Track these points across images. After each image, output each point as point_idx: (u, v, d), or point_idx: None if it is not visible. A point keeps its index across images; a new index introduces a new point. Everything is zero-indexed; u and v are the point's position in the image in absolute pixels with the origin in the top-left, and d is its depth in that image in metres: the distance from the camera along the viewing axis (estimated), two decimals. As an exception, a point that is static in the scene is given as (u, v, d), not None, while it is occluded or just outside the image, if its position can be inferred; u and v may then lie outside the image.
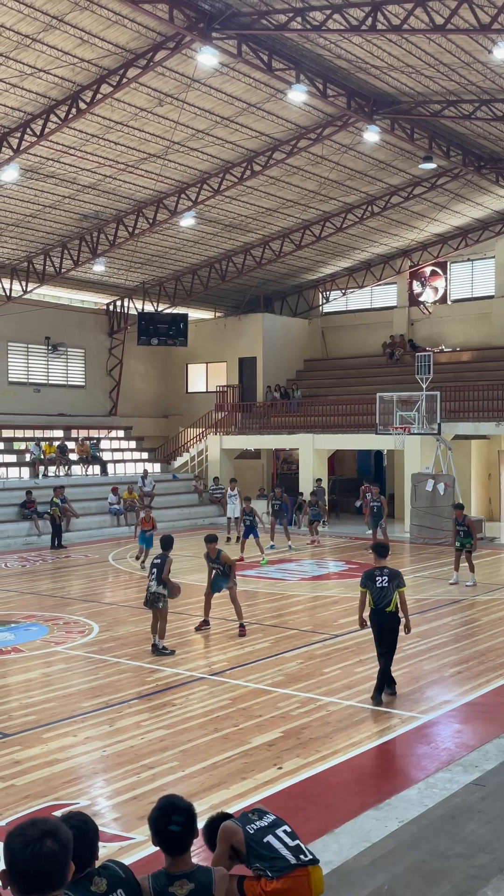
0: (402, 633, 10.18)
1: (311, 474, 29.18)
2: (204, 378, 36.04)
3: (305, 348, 36.38)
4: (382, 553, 10.45)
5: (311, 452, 29.47)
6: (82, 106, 19.37)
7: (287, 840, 4.86)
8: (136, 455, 33.11)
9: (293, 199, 27.10)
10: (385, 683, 10.13)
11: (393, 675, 10.26)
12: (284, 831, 4.91)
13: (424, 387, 25.59)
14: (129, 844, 6.51)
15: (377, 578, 10.01)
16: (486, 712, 9.80)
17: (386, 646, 10.08)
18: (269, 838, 4.83)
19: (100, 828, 3.76)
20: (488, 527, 26.53)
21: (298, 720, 9.34)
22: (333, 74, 20.23)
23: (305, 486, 29.18)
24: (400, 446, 26.91)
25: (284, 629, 13.79)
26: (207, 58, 17.76)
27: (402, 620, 10.05)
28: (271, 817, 5.03)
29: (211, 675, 11.16)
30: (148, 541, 19.45)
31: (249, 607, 15.72)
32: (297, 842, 4.89)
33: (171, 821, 3.83)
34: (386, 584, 9.94)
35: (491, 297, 32.33)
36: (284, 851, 4.78)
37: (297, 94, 19.50)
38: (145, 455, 33.44)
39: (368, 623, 10.22)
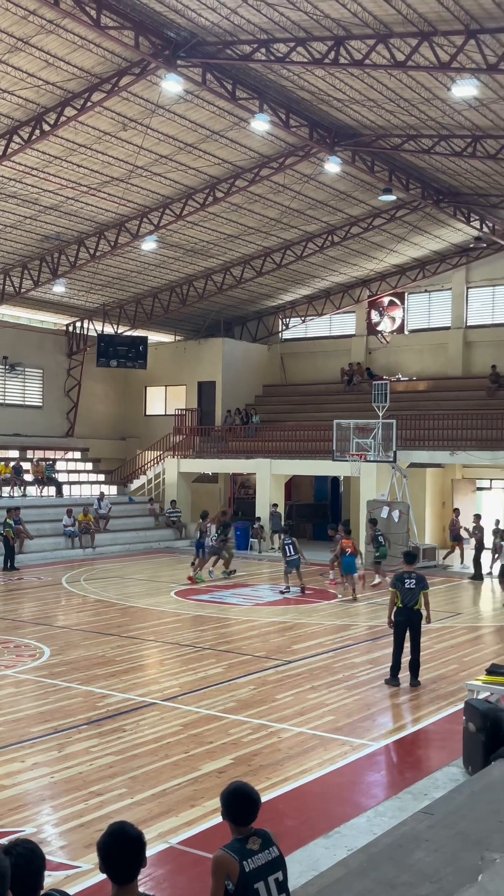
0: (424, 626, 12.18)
1: (268, 499, 29.25)
2: (163, 401, 36.01)
3: (265, 373, 36.56)
4: (410, 560, 12.41)
5: (269, 477, 29.54)
6: (46, 128, 19.39)
7: (274, 893, 4.28)
8: (93, 477, 32.89)
9: (254, 227, 27.33)
10: (411, 673, 11.93)
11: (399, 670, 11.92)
12: (276, 880, 4.32)
13: (381, 415, 25.84)
14: (76, 873, 6.41)
15: (406, 580, 11.97)
16: (437, 740, 9.85)
17: (413, 639, 11.98)
18: (260, 886, 4.25)
19: (46, 856, 3.71)
20: (442, 554, 26.76)
21: (249, 747, 9.30)
22: (296, 105, 20.51)
23: (262, 511, 29.23)
24: (356, 473, 27.07)
25: (238, 654, 13.73)
26: (172, 85, 17.90)
27: (425, 614, 12.01)
28: (275, 852, 4.37)
29: (163, 700, 11.07)
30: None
31: (202, 632, 15.66)
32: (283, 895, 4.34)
33: (121, 848, 3.78)
34: (414, 586, 11.91)
35: (447, 328, 32.80)
36: None
37: (260, 124, 19.70)
38: (101, 477, 33.23)
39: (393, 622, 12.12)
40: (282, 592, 20.37)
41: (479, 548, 23.21)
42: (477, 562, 23.13)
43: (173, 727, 9.95)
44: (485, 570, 23.11)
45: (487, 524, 24.10)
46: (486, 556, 23.43)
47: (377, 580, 21.55)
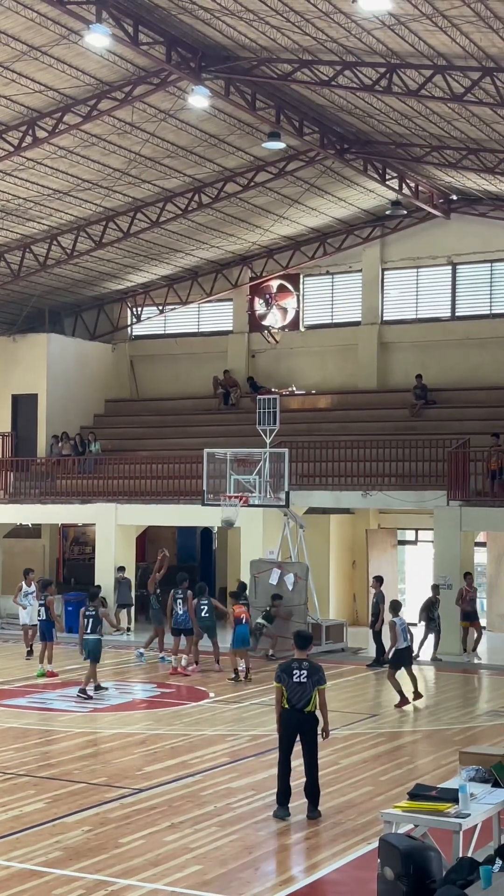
0: (319, 739, 12.21)
1: (112, 560, 28.93)
2: (-39, 423, 35.45)
3: (107, 384, 36.49)
4: (303, 644, 12.51)
5: (114, 529, 29.33)
6: None
7: None
8: None
9: (91, 180, 27.31)
10: (309, 800, 12.00)
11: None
12: None
13: (268, 441, 26.04)
14: None
15: (294, 672, 11.98)
16: (342, 893, 9.92)
17: (307, 753, 12.06)
18: None
19: None
20: (352, 634, 27.04)
21: (81, 914, 9.18)
22: (148, 15, 20.67)
23: (104, 577, 28.80)
24: (235, 523, 27.18)
25: (67, 782, 13.58)
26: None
27: (321, 723, 12.10)
28: None
29: (-43, 852, 10.80)
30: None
31: (17, 753, 15.44)
32: None
33: None
34: (305, 680, 11.92)
35: (356, 323, 33.51)
36: None
37: (98, 38, 19.75)
38: None
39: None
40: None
41: (376, 621, 23.84)
42: (378, 640, 23.62)
43: (-29, 891, 9.72)
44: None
45: (413, 589, 24.61)
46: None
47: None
